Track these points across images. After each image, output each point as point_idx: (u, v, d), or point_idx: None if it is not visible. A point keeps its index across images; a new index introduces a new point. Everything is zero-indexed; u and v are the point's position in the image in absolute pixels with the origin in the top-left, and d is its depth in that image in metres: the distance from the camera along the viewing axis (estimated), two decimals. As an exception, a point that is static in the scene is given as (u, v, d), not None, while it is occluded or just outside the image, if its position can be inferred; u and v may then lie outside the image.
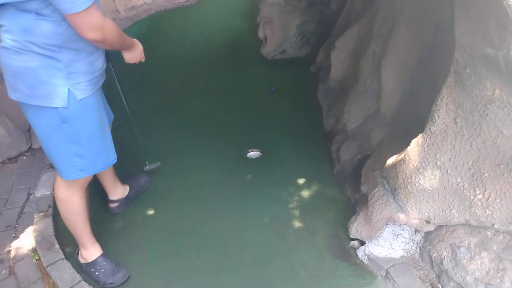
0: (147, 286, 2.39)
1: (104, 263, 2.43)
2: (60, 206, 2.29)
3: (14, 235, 2.71)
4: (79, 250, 2.46)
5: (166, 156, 3.40)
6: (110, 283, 2.38)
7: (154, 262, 2.54)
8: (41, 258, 2.43)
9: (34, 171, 3.25)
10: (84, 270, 2.44)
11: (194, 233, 2.73)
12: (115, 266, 2.43)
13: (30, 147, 3.49)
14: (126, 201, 2.89)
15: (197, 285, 2.40)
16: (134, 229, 2.75)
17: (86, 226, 2.36)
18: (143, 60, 2.31)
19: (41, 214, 2.71)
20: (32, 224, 2.69)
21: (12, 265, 2.50)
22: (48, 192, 2.89)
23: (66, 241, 2.61)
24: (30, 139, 3.53)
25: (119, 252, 2.58)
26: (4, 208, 2.92)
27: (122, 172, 2.87)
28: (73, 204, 2.25)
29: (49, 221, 2.67)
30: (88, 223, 2.37)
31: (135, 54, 2.22)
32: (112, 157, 2.27)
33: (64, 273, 2.32)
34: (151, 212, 2.88)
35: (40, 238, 2.54)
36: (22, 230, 2.73)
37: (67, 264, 2.38)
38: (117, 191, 2.84)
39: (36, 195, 2.89)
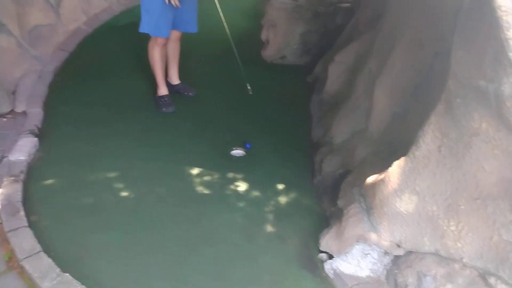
0: (103, 265, 2.35)
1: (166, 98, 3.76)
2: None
3: (-21, 195, 2.64)
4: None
5: (164, 140, 3.39)
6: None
7: (117, 243, 2.49)
8: (3, 222, 2.38)
9: (12, 135, 3.17)
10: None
11: (163, 221, 2.70)
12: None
13: (12, 110, 3.41)
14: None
15: (155, 273, 2.37)
16: (104, 208, 2.71)
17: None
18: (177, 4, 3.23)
19: (12, 178, 2.65)
20: (0, 187, 2.62)
21: (-29, 225, 2.43)
22: (22, 158, 2.83)
23: (32, 209, 2.55)
24: (14, 102, 3.46)
25: (85, 229, 2.54)
26: (-26, 168, 2.84)
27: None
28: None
29: (18, 186, 2.61)
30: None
31: None
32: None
33: (24, 241, 2.27)
34: (124, 194, 2.83)
35: (6, 203, 2.48)
36: (-11, 192, 2.66)
37: (29, 233, 2.33)
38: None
39: (10, 158, 2.82)
